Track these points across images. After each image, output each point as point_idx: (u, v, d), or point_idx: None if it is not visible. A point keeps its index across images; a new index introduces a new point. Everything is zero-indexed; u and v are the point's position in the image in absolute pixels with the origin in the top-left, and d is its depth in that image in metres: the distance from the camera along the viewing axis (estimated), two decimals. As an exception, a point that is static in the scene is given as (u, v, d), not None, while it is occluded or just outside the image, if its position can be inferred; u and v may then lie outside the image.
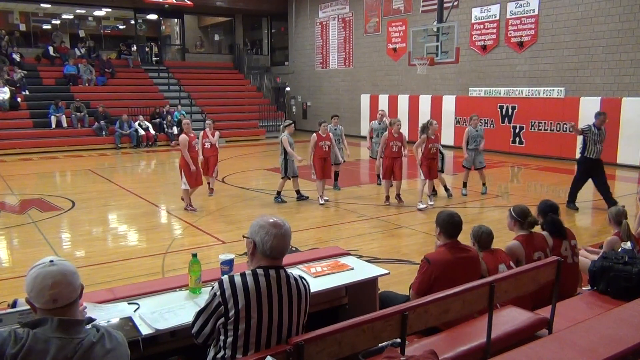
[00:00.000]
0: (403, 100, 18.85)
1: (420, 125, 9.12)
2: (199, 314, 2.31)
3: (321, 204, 9.01)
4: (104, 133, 18.08)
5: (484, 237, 3.82)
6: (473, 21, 16.42)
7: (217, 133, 9.83)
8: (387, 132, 9.14)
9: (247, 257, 2.39)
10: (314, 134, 9.18)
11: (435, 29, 13.73)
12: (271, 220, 2.32)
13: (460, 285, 3.11)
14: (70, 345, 1.70)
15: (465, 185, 9.96)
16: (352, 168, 13.13)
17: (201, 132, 9.65)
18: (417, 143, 8.79)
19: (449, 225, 3.51)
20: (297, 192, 9.44)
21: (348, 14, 21.15)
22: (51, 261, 1.80)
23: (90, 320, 1.82)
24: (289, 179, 9.30)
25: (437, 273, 3.34)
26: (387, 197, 9.03)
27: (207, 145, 9.58)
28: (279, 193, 9.34)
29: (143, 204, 9.34)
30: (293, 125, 9.53)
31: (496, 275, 3.30)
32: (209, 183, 9.88)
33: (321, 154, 9.13)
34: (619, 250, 4.17)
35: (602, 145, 8.32)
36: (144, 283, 3.82)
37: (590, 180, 8.60)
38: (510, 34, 15.44)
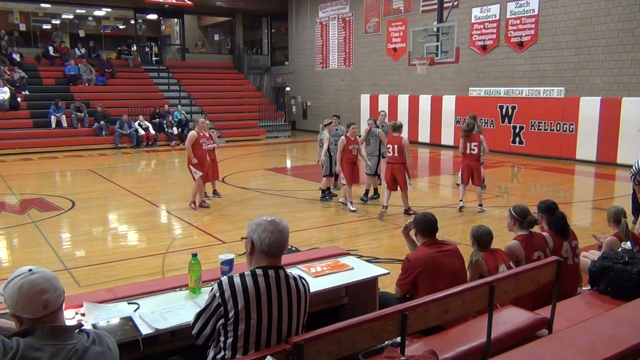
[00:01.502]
0: (403, 100, 18.85)
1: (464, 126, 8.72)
2: (198, 315, 2.31)
3: (352, 210, 8.55)
4: (103, 133, 18.09)
5: (483, 237, 3.82)
6: (473, 21, 16.42)
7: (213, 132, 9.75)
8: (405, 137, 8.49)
9: (246, 257, 2.39)
10: (342, 137, 8.69)
11: (435, 29, 13.74)
12: (268, 219, 2.32)
13: (446, 275, 3.42)
14: (64, 352, 1.70)
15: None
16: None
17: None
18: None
19: (424, 224, 3.68)
20: (325, 190, 9.48)
21: (348, 13, 21.16)
22: (30, 270, 1.77)
23: (80, 325, 1.82)
24: (331, 176, 9.38)
25: (419, 269, 3.51)
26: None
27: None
28: (323, 191, 9.46)
29: (143, 204, 9.34)
30: (333, 123, 9.53)
31: (496, 275, 3.30)
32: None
33: (350, 157, 8.62)
34: (619, 250, 4.17)
35: None
36: (144, 283, 3.82)
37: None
38: (510, 33, 15.44)
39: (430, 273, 3.48)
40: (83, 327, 1.82)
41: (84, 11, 24.60)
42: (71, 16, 24.90)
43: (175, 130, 18.96)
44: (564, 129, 14.21)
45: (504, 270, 3.56)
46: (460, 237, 6.93)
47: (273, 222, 2.31)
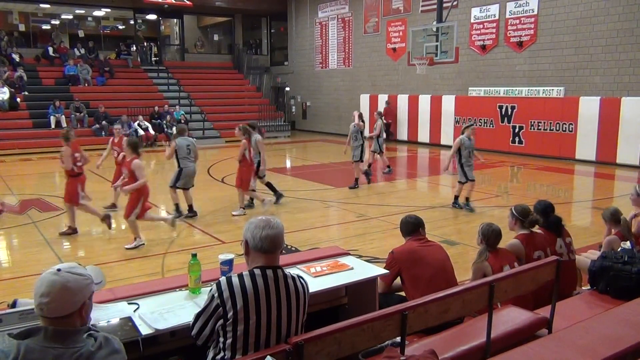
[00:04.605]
0: (402, 100, 18.85)
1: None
2: (198, 316, 2.31)
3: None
4: (103, 133, 18.07)
5: (492, 236, 3.82)
6: (472, 21, 16.42)
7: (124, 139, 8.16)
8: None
9: (245, 259, 2.39)
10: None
11: (434, 29, 13.75)
12: (261, 217, 2.36)
13: (429, 265, 3.65)
14: (66, 356, 1.68)
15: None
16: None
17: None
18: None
19: (404, 224, 4.01)
20: (466, 199, 8.59)
21: (347, 13, 21.15)
22: (58, 270, 1.76)
23: (88, 329, 1.80)
24: (472, 181, 8.55)
25: (402, 260, 3.75)
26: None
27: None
28: (456, 197, 8.68)
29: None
30: (474, 127, 8.92)
31: (496, 275, 3.30)
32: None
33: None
34: (619, 249, 4.18)
35: None
36: (144, 283, 3.82)
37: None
38: (509, 33, 15.44)
39: (412, 263, 3.70)
40: (91, 332, 1.79)
41: (83, 11, 24.58)
42: (70, 16, 24.88)
43: (174, 131, 18.91)
44: (564, 129, 14.21)
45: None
46: (460, 237, 6.93)
47: (264, 219, 2.34)
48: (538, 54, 14.77)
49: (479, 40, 16.31)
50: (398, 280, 3.82)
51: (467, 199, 8.57)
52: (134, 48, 23.96)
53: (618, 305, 3.27)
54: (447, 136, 17.36)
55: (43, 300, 1.71)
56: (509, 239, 4.15)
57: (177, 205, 8.27)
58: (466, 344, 2.84)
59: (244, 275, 2.26)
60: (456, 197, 8.73)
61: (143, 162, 6.82)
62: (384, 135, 12.42)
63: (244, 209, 8.52)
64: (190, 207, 8.34)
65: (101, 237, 7.56)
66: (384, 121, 13.92)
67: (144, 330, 2.51)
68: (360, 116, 10.83)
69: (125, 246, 6.77)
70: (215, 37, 28.20)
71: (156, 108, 19.54)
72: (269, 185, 9.24)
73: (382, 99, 19.59)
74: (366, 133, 12.23)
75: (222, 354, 2.23)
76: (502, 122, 15.72)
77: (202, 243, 6.94)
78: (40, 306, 1.71)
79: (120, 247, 6.94)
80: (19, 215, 8.43)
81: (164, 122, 19.09)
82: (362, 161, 10.64)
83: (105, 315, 2.64)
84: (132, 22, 24.85)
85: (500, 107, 15.75)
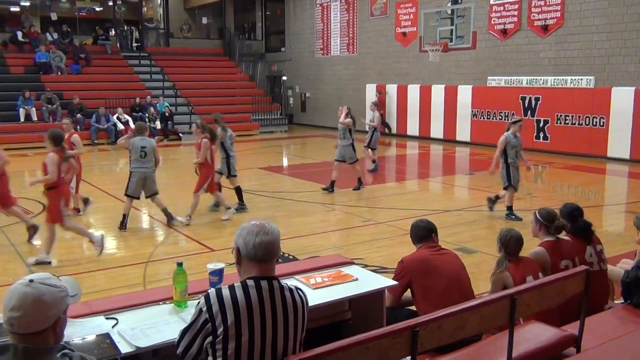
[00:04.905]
0: (413, 91, 18.86)
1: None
2: (184, 332, 2.31)
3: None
4: (78, 128, 18.07)
5: (512, 243, 3.80)
6: (492, 2, 16.42)
7: (74, 136, 8.67)
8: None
9: (236, 269, 2.39)
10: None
11: (449, 11, 13.79)
12: (254, 222, 2.35)
13: (442, 276, 3.65)
14: None
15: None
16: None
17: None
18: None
19: (415, 230, 4.01)
20: (509, 208, 8.29)
21: (352, -6, 21.18)
22: (31, 280, 1.77)
23: (62, 347, 1.81)
24: (514, 188, 8.27)
25: (413, 270, 3.73)
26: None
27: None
28: (509, 208, 8.25)
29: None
30: (521, 122, 8.62)
31: (517, 286, 3.30)
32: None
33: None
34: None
35: None
36: (124, 296, 3.84)
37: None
38: (533, 16, 15.44)
39: (424, 273, 3.69)
40: (66, 351, 1.79)
41: (56, -9, 24.63)
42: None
43: (158, 125, 18.96)
44: (594, 123, 14.20)
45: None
46: (477, 245, 6.93)
47: (258, 225, 2.33)
48: (565, 39, 14.77)
49: (499, 23, 16.31)
50: (408, 293, 3.82)
51: (509, 207, 8.28)
52: (113, 32, 24.00)
53: (655, 321, 3.27)
54: (463, 131, 17.38)
55: (14, 314, 1.71)
56: (532, 246, 4.14)
57: (124, 216, 8.11)
58: (484, 365, 2.84)
59: (236, 286, 2.26)
60: (509, 208, 8.29)
61: (57, 157, 6.45)
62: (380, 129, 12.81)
63: (230, 208, 8.50)
64: (164, 211, 8.22)
65: (75, 244, 7.55)
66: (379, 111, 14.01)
67: (124, 349, 2.51)
68: (348, 113, 10.52)
69: (96, 254, 6.75)
70: (204, 20, 28.20)
71: (137, 99, 19.58)
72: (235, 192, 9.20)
73: (391, 89, 19.63)
74: (367, 121, 12.34)
75: (210, 375, 2.24)
76: (525, 115, 15.70)
77: (188, 251, 6.95)
78: (10, 321, 1.72)
79: (97, 255, 6.94)
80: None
81: (146, 115, 19.12)
82: (358, 160, 10.70)
83: (80, 332, 2.65)
84: (110, 3, 24.87)
85: (523, 99, 15.76)
